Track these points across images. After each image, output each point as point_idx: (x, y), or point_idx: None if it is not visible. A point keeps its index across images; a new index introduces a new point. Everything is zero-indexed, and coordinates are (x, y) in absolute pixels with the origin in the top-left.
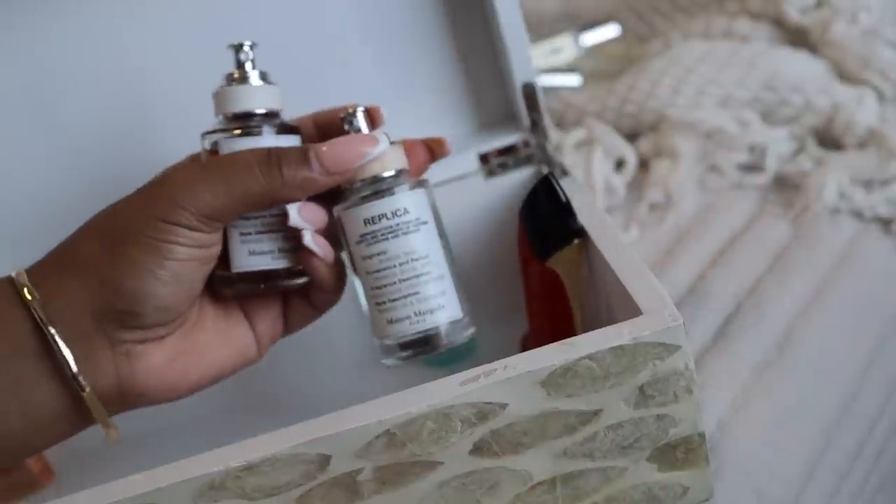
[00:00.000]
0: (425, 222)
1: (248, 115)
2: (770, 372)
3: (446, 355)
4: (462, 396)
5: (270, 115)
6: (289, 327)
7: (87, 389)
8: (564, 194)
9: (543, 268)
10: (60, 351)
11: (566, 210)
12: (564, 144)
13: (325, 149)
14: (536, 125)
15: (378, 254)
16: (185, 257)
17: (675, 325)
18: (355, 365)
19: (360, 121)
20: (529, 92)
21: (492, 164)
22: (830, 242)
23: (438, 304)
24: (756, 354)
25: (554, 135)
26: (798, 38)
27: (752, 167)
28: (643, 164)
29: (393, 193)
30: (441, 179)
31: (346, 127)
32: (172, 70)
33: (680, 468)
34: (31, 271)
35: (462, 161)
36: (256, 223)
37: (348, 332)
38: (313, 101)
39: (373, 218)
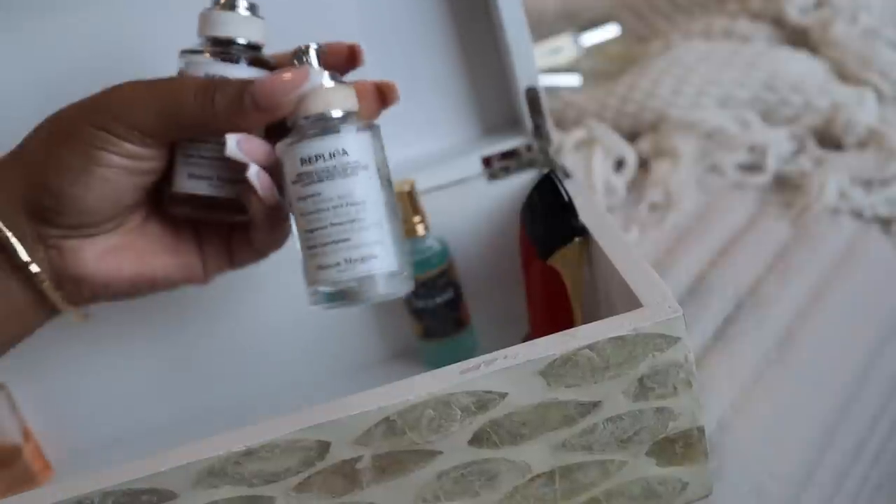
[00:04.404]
0: (365, 167)
1: (228, 42)
2: (770, 372)
3: (445, 355)
4: (462, 385)
5: (250, 47)
6: (232, 262)
7: (40, 273)
8: (566, 193)
9: (545, 268)
10: (7, 239)
11: (568, 209)
12: (564, 145)
13: (259, 86)
14: (539, 129)
15: (312, 195)
16: (112, 165)
17: (674, 316)
18: (355, 365)
19: (312, 59)
20: (533, 96)
21: (494, 167)
22: (830, 242)
23: (370, 253)
24: (756, 354)
25: (554, 136)
26: (798, 38)
27: (752, 167)
28: (643, 164)
29: (335, 133)
30: (444, 182)
31: (296, 64)
32: (175, 69)
33: (679, 463)
34: None
35: (465, 164)
36: (200, 148)
37: (348, 333)
38: None
39: (310, 157)
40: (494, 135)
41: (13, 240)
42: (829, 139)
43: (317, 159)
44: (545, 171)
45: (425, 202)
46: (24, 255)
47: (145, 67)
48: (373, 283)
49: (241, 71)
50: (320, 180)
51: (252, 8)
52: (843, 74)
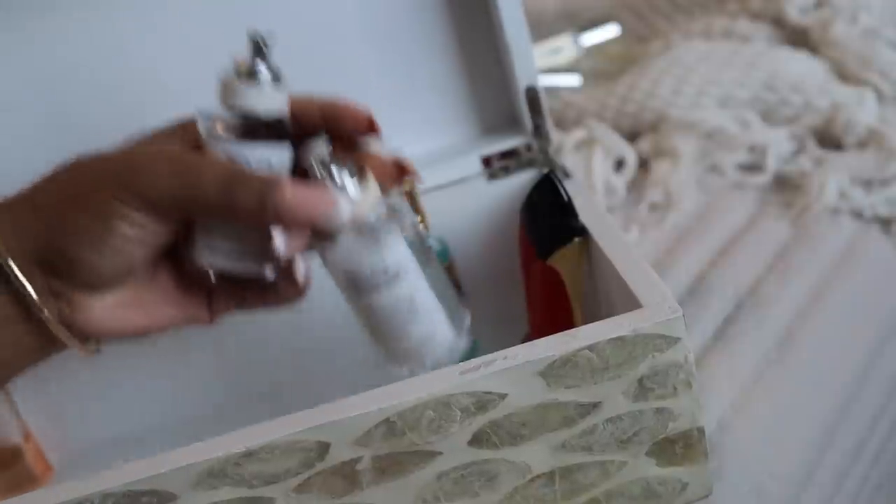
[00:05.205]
0: (406, 267)
1: (249, 117)
2: (770, 372)
3: None
4: (462, 385)
5: (272, 122)
6: (241, 308)
7: (48, 315)
8: (566, 193)
9: (544, 268)
10: (20, 282)
11: (567, 209)
12: (564, 145)
13: (283, 200)
14: (539, 129)
15: (364, 305)
16: (127, 235)
17: (674, 316)
18: (355, 365)
19: (334, 171)
20: (532, 96)
21: (494, 167)
22: (830, 242)
23: (428, 337)
24: (756, 354)
25: (554, 136)
26: (798, 38)
27: (752, 167)
28: (643, 164)
29: (371, 245)
30: (444, 182)
31: (314, 171)
32: (176, 70)
33: (679, 463)
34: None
35: (465, 164)
36: (220, 224)
37: (349, 332)
38: None
39: (352, 274)
40: (494, 134)
41: (29, 287)
42: (829, 139)
43: (359, 275)
44: (545, 171)
45: (425, 202)
46: (38, 304)
47: (145, 68)
48: (437, 358)
49: (261, 149)
50: (367, 292)
51: (276, 77)
52: (843, 74)
